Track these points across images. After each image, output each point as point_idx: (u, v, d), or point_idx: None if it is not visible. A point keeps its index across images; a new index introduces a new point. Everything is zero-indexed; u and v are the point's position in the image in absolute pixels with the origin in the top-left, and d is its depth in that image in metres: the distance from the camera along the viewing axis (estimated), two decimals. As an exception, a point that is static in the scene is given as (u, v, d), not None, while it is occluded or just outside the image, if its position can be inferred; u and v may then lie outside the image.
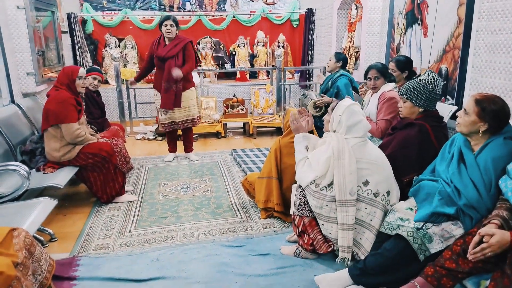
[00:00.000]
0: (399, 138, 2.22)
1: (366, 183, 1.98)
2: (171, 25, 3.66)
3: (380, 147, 2.36)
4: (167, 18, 3.70)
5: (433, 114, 2.22)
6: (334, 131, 2.10)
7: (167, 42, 3.73)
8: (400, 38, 3.62)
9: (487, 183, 1.70)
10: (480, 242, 1.49)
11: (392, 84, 2.83)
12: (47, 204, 2.27)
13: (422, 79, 2.17)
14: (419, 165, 2.11)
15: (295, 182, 2.22)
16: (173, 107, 3.79)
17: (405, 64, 2.91)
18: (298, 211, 2.11)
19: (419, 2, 3.29)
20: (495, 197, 1.69)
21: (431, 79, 2.15)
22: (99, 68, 4.13)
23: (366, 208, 1.98)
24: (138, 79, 4.15)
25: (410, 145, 2.14)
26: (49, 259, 1.80)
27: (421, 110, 2.19)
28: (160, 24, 3.71)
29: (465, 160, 1.80)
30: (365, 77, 2.93)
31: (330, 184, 1.99)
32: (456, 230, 1.74)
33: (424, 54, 3.24)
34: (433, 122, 2.17)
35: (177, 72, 3.65)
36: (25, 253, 1.57)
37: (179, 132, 4.17)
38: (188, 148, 4.16)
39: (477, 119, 1.74)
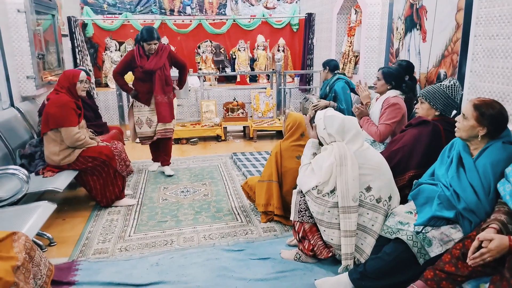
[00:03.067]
0: (412, 133, 2.27)
1: (368, 188, 1.99)
2: (155, 44, 3.42)
3: (392, 141, 2.40)
4: (151, 37, 3.38)
5: (449, 120, 2.24)
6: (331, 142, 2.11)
7: (147, 54, 3.49)
8: (399, 42, 3.64)
9: (486, 187, 1.71)
10: (479, 247, 1.49)
11: (398, 91, 2.82)
12: (46, 208, 2.26)
13: (444, 84, 2.23)
14: (424, 162, 2.14)
15: (296, 186, 2.22)
16: (170, 119, 3.65)
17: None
18: (299, 217, 2.11)
19: (418, 7, 3.31)
20: (494, 201, 1.70)
21: (452, 85, 2.21)
22: (85, 68, 3.96)
23: (368, 214, 1.98)
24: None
25: (421, 141, 2.19)
26: (48, 263, 1.80)
27: (437, 113, 2.23)
28: (141, 39, 3.41)
29: (464, 164, 1.81)
30: None
31: (333, 191, 1.98)
32: (455, 233, 1.74)
33: (423, 58, 3.26)
34: (447, 126, 2.19)
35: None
36: (26, 256, 1.57)
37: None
38: (165, 162, 3.85)
39: (475, 124, 1.75)
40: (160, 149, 3.84)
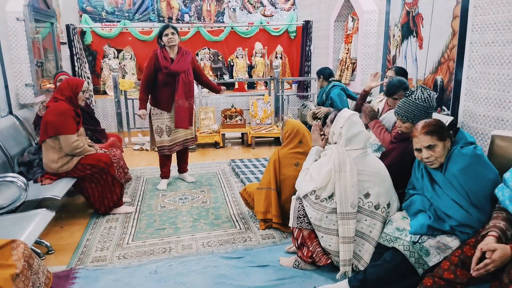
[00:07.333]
0: (397, 151, 2.25)
1: (367, 195, 1.99)
2: (172, 33, 3.31)
3: (382, 155, 2.38)
4: (167, 26, 3.36)
5: None
6: (335, 143, 2.11)
7: (172, 56, 3.38)
8: (396, 49, 3.68)
9: (465, 196, 1.72)
10: (482, 256, 1.49)
11: None
12: (44, 216, 2.26)
13: (418, 98, 2.13)
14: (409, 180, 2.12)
15: (294, 194, 2.22)
16: (188, 125, 3.54)
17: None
18: (297, 224, 2.11)
19: (414, 14, 3.35)
20: (483, 206, 1.71)
21: (427, 97, 2.13)
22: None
23: (366, 220, 1.98)
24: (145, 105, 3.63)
25: (406, 159, 2.15)
26: (47, 271, 1.79)
27: None
28: (160, 35, 3.36)
29: (436, 180, 1.83)
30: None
31: (331, 196, 1.99)
32: (452, 242, 1.74)
33: (419, 65, 3.29)
34: None
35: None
36: (24, 264, 1.56)
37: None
38: (183, 169, 3.82)
39: (443, 143, 1.80)
40: (178, 158, 3.78)
